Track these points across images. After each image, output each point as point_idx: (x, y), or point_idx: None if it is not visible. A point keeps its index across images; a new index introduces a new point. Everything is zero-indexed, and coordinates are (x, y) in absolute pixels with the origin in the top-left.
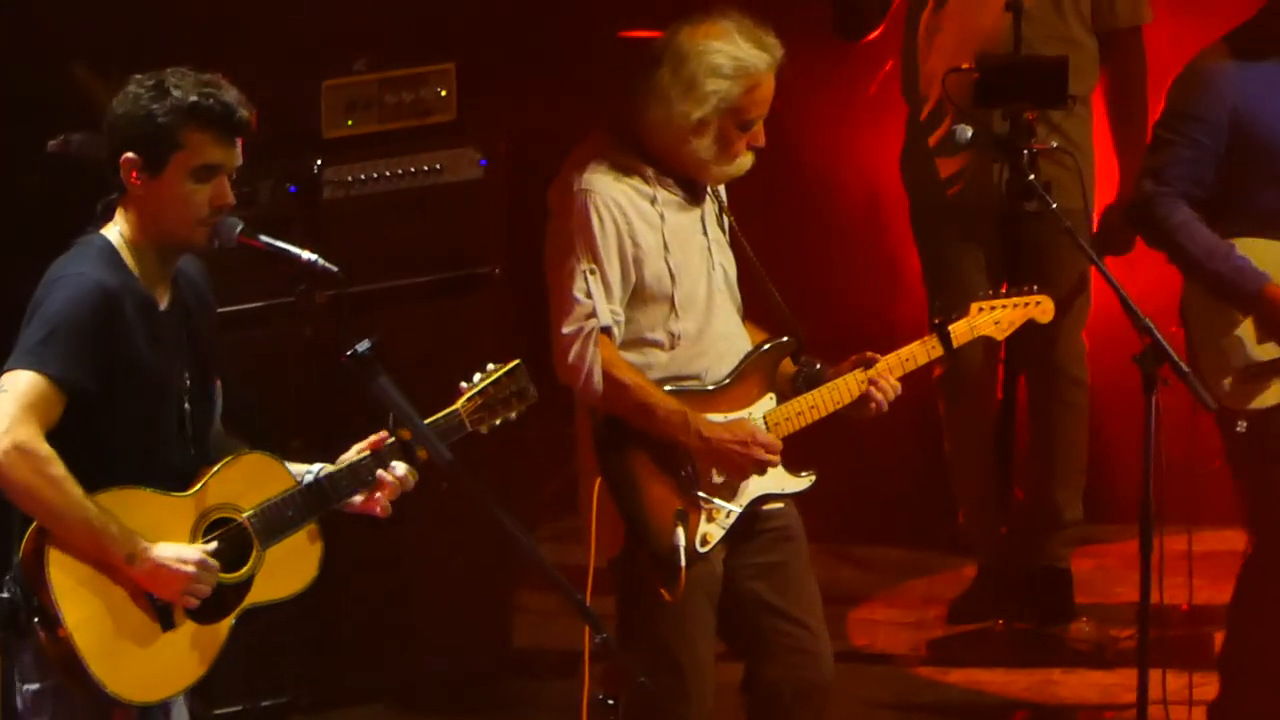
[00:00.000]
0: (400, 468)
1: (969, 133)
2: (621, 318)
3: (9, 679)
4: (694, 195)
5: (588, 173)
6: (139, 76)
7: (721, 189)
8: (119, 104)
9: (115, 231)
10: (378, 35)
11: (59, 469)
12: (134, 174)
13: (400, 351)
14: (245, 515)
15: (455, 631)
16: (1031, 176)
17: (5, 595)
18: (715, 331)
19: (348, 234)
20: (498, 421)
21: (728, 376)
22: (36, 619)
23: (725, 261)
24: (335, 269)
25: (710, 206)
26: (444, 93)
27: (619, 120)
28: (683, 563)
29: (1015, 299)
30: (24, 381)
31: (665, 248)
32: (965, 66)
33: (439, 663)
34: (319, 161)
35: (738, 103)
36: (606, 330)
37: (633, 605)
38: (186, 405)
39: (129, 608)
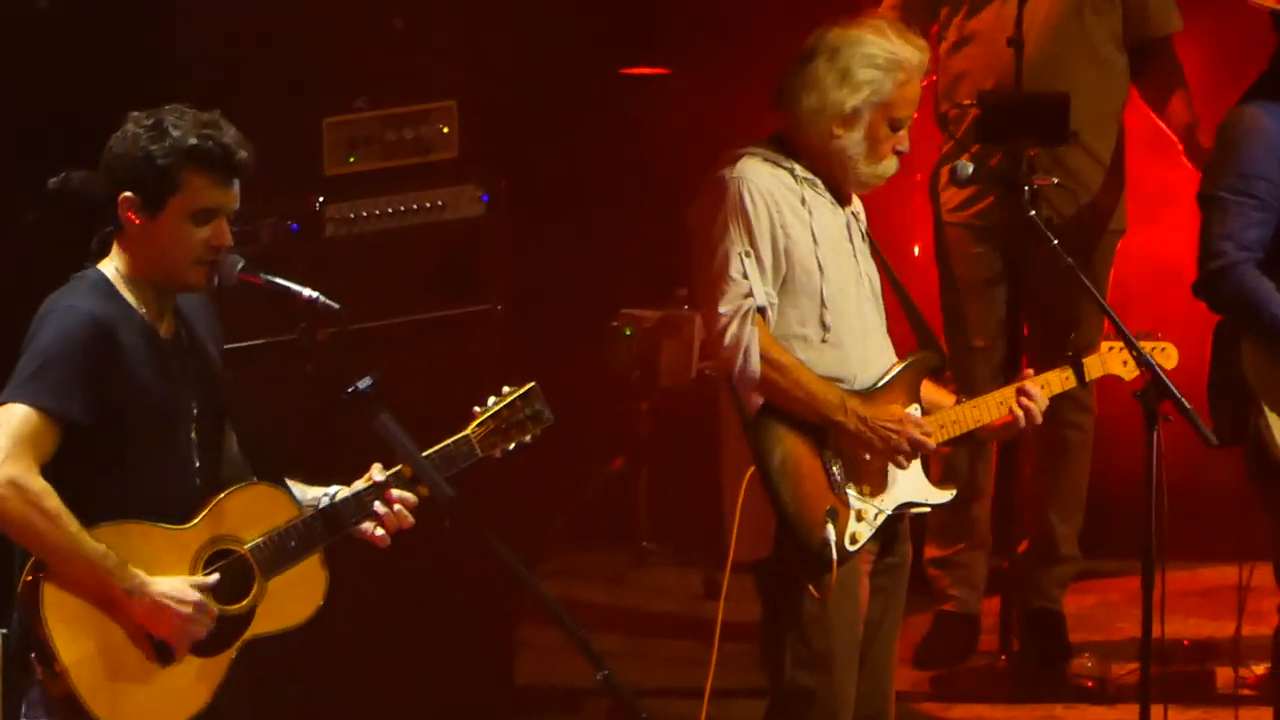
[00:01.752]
0: (397, 497)
1: (970, 169)
2: (775, 300)
3: (13, 715)
4: (840, 201)
5: (739, 164)
6: (137, 114)
7: (861, 211)
8: (117, 142)
9: (111, 267)
10: (379, 72)
11: (53, 502)
12: (131, 213)
13: (401, 389)
14: (247, 546)
15: (457, 667)
16: (1032, 213)
17: (5, 631)
18: (863, 336)
19: (349, 271)
20: (511, 446)
21: (877, 382)
22: (34, 654)
23: (870, 272)
24: (337, 306)
25: (854, 220)
26: (446, 130)
27: (765, 131)
28: (834, 558)
29: (1143, 344)
30: (16, 415)
31: (814, 242)
32: (966, 103)
33: (440, 699)
34: (320, 199)
35: (889, 96)
36: (762, 311)
37: (781, 606)
38: (194, 435)
39: (127, 642)
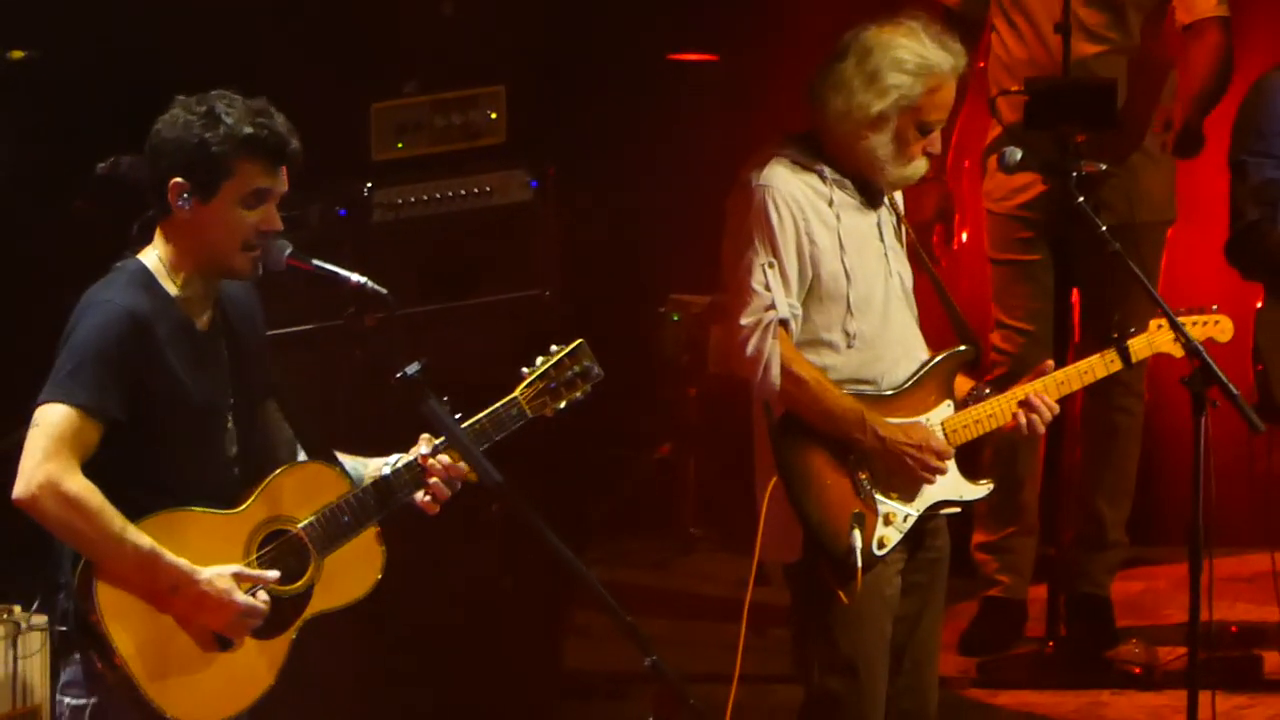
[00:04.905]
0: (444, 457)
1: (1018, 155)
2: (799, 311)
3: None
4: (870, 200)
5: (766, 169)
6: (184, 100)
7: (899, 201)
8: (167, 128)
9: (153, 255)
10: (428, 57)
11: (95, 500)
12: (182, 199)
13: (449, 374)
14: (300, 525)
15: (505, 653)
16: (1080, 199)
17: (61, 605)
18: (891, 336)
19: (397, 257)
20: (562, 405)
21: (906, 382)
22: (92, 647)
23: (902, 270)
24: (385, 292)
25: (887, 216)
26: (494, 115)
27: (797, 127)
28: (859, 564)
29: (1195, 317)
30: (55, 415)
31: (841, 247)
32: (1015, 89)
33: (489, 684)
34: (369, 184)
35: (918, 101)
36: (784, 323)
37: (810, 610)
38: (231, 425)
39: (184, 629)
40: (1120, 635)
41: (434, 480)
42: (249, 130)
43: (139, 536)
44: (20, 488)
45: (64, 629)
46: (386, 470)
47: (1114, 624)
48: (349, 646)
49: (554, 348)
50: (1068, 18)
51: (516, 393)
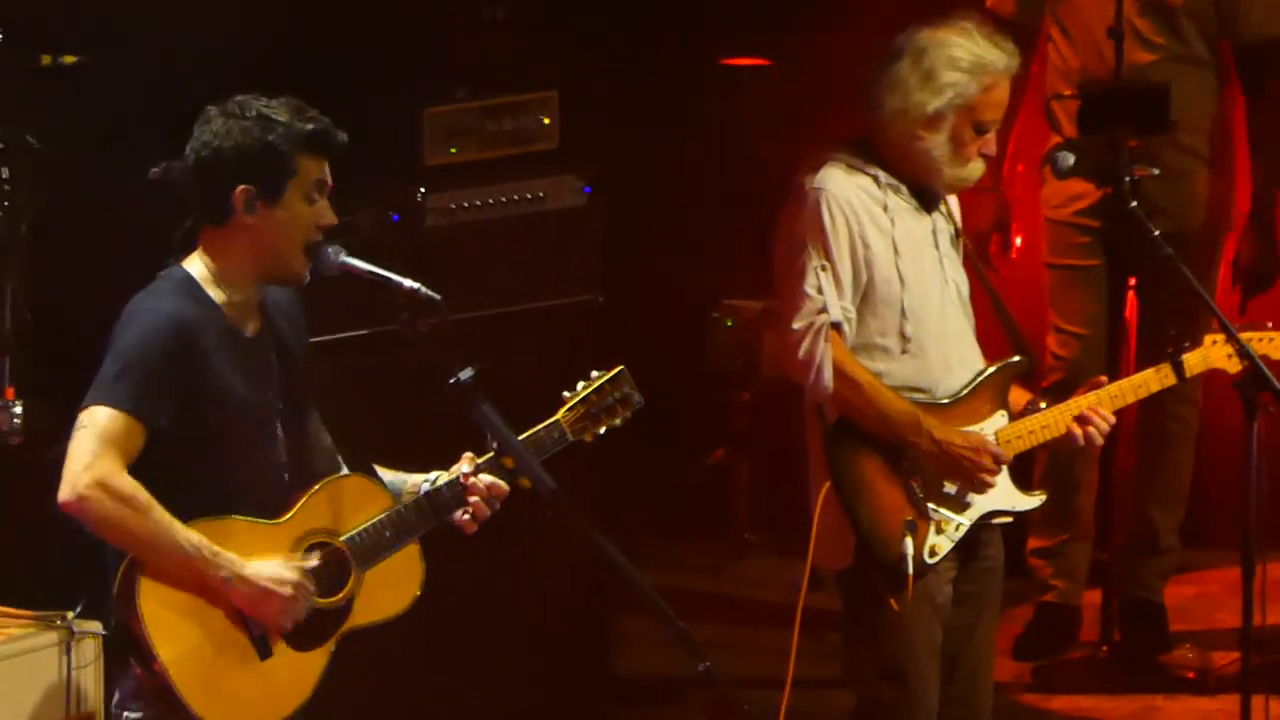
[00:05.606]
0: (487, 477)
1: (1070, 159)
2: (853, 314)
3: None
4: (925, 205)
5: (821, 172)
6: (220, 109)
7: (956, 211)
8: (219, 138)
9: (198, 264)
10: (480, 63)
11: (143, 496)
12: (249, 205)
13: (502, 379)
14: (342, 539)
15: (557, 659)
16: (1134, 204)
17: (109, 626)
18: (947, 344)
19: (450, 262)
20: (602, 430)
21: (961, 390)
22: (131, 653)
23: (958, 278)
24: (438, 297)
25: (944, 224)
26: (546, 120)
27: (853, 132)
28: (910, 572)
29: (1251, 334)
30: (101, 417)
31: (896, 252)
32: (1068, 93)
33: (540, 691)
34: (421, 189)
35: (973, 100)
36: (837, 326)
37: (860, 616)
38: (280, 432)
39: (225, 637)
40: (1173, 640)
41: (475, 499)
42: (308, 126)
43: (188, 530)
44: (67, 490)
45: (104, 635)
46: (426, 487)
47: (1167, 629)
48: (399, 653)
49: (595, 373)
50: (1120, 23)
51: (559, 415)
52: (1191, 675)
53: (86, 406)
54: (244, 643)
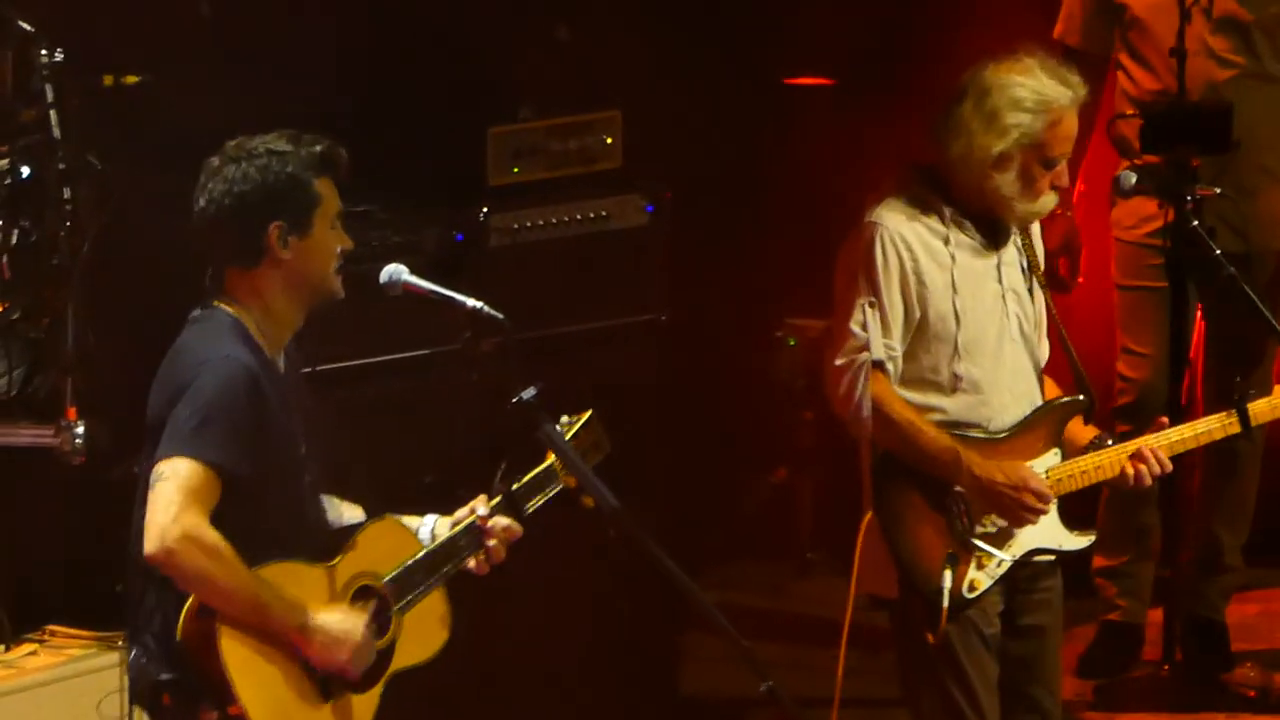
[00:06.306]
0: (502, 519)
1: (1133, 178)
2: (897, 353)
3: None
4: (993, 240)
5: (881, 206)
6: (222, 157)
7: (1037, 242)
8: (237, 184)
9: (234, 305)
10: (544, 82)
11: (227, 548)
12: (282, 241)
13: (565, 399)
14: (384, 581)
15: (621, 678)
16: (1195, 223)
17: (163, 676)
18: (1002, 381)
19: (513, 281)
20: (573, 482)
21: (1014, 426)
22: (206, 698)
23: (1021, 312)
24: (501, 316)
25: (1014, 256)
26: (610, 140)
27: (924, 157)
28: (945, 604)
29: None
30: (184, 469)
31: (954, 289)
32: (1130, 113)
33: (604, 710)
34: (485, 209)
35: (1040, 137)
36: (879, 365)
37: (911, 648)
38: (307, 474)
39: (295, 680)
40: (1235, 659)
41: (494, 543)
42: (314, 147)
43: (263, 580)
44: (154, 544)
45: (168, 678)
46: (424, 530)
47: (1229, 647)
48: (463, 677)
49: (565, 419)
50: (1183, 42)
51: (550, 460)
52: (1253, 694)
53: (168, 457)
54: (310, 685)
